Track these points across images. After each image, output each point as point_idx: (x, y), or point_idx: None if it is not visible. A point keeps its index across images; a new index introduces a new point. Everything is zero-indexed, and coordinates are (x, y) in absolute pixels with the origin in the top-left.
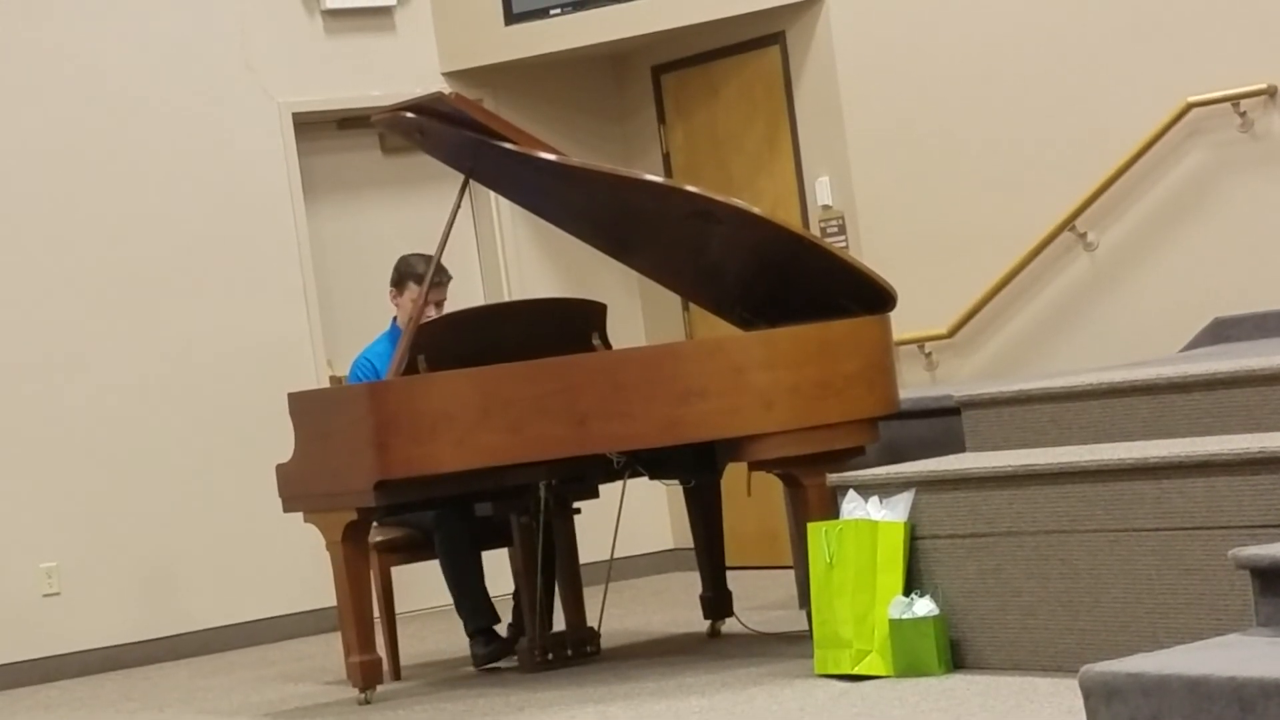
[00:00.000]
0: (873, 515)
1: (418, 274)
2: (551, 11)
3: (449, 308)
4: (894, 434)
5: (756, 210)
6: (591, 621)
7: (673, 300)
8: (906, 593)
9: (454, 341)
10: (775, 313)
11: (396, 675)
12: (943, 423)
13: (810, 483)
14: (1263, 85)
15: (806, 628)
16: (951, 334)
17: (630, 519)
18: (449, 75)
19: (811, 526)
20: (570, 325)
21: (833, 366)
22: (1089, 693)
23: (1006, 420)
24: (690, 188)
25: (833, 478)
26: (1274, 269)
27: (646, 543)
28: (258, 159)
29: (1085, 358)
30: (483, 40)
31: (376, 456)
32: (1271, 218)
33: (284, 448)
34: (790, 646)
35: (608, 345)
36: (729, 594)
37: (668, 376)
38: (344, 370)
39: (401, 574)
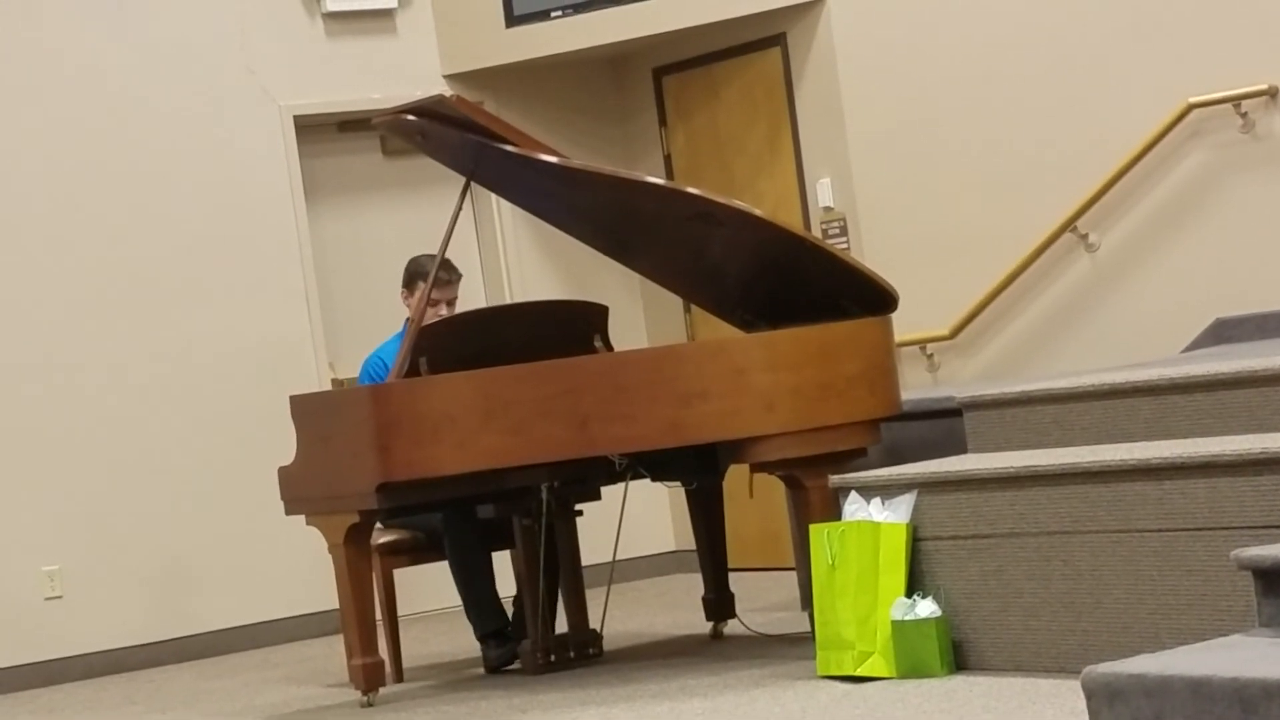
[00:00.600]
0: (875, 517)
1: (425, 272)
2: (552, 14)
3: (460, 308)
4: (896, 435)
5: (758, 212)
6: (594, 623)
7: (674, 302)
8: (909, 594)
9: (456, 344)
10: (777, 314)
11: (399, 678)
12: (944, 424)
13: (812, 484)
14: (1264, 86)
15: (809, 629)
16: (953, 335)
17: (632, 521)
18: (450, 78)
19: (813, 528)
20: (572, 327)
21: (834, 368)
22: (1091, 694)
23: (1008, 421)
24: (692, 189)
25: (835, 479)
26: (1275, 270)
27: (648, 545)
28: (259, 161)
29: (1087, 359)
30: (484, 43)
31: (378, 459)
32: (1273, 218)
33: (285, 450)
34: (792, 648)
35: (609, 347)
36: (731, 596)
37: (669, 378)
38: (346, 373)
39: (404, 576)
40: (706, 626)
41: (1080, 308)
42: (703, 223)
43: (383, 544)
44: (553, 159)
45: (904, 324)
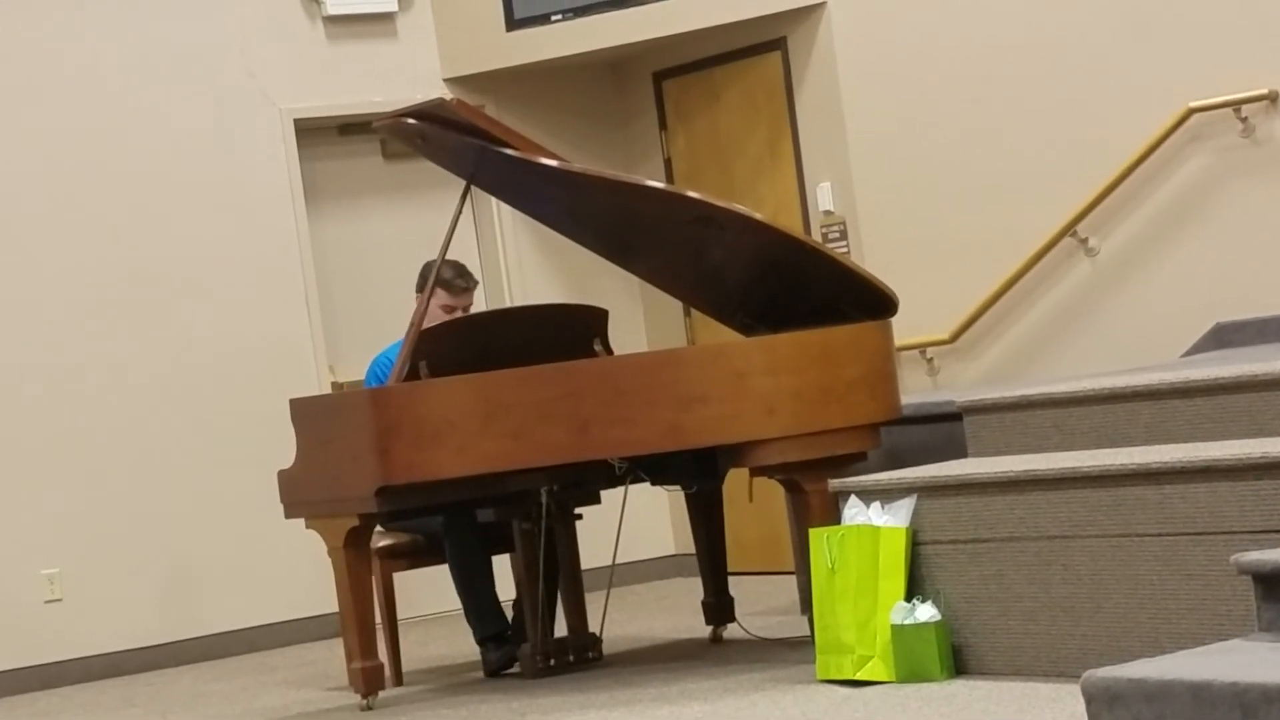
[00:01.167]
0: (875, 521)
1: (443, 279)
2: (553, 17)
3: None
4: (896, 439)
5: (758, 216)
6: (593, 627)
7: (674, 306)
8: (908, 598)
9: (456, 347)
10: (777, 318)
11: (399, 681)
12: (944, 428)
13: (812, 488)
14: (1264, 90)
15: (808, 633)
16: (953, 339)
17: (632, 525)
18: (450, 81)
19: (813, 532)
20: (572, 331)
21: (835, 372)
22: (1091, 698)
23: (1008, 425)
24: (692, 193)
25: (834, 483)
26: (1276, 274)
27: (648, 548)
28: (259, 165)
29: (1087, 363)
30: (484, 46)
31: (378, 462)
32: (1273, 223)
33: (285, 453)
34: (792, 652)
35: (609, 351)
36: (731, 600)
37: (669, 382)
38: (346, 376)
39: (404, 580)
40: (706, 630)
41: (1080, 312)
42: (703, 226)
43: (382, 547)
44: (553, 163)
45: (904, 328)
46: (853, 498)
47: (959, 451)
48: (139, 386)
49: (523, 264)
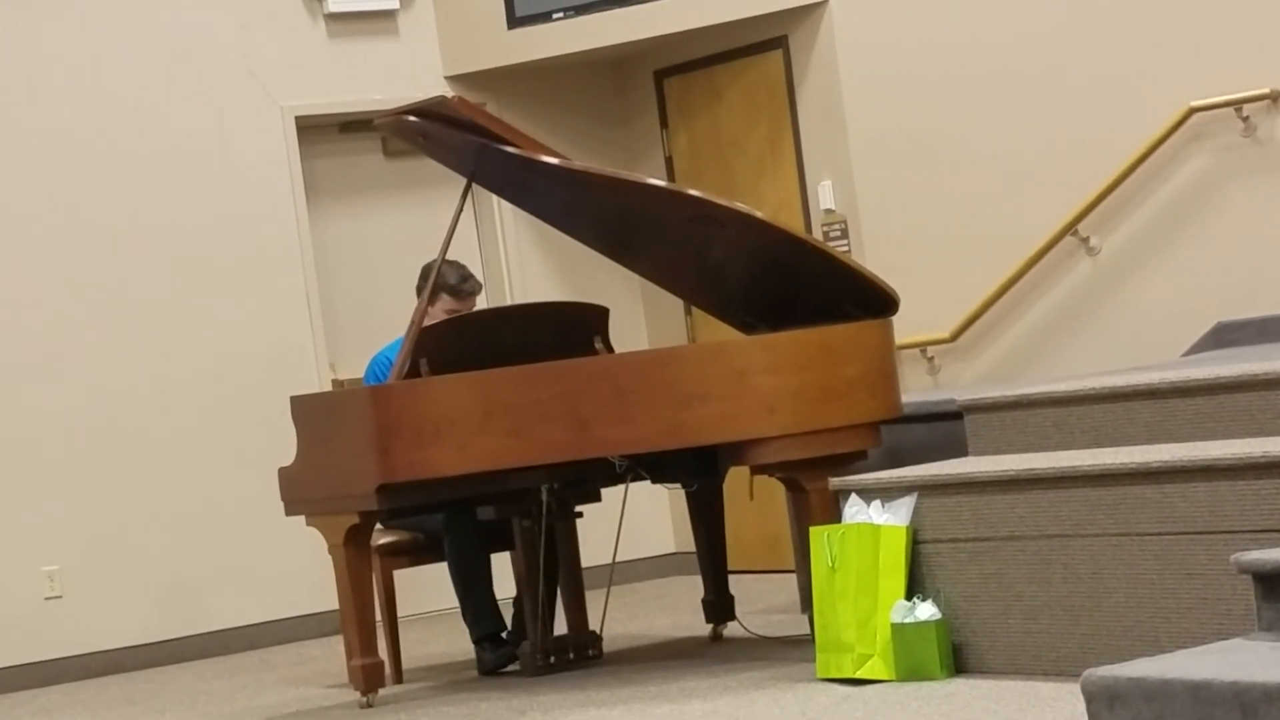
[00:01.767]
0: (875, 519)
1: (449, 284)
2: (554, 16)
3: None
4: (896, 438)
5: (759, 214)
6: (593, 625)
7: (675, 304)
8: (908, 597)
9: (456, 345)
10: (777, 317)
11: (398, 679)
12: (945, 427)
13: (812, 487)
14: (1265, 90)
15: (809, 632)
16: (954, 338)
17: (632, 523)
18: (451, 79)
19: (814, 530)
20: (572, 329)
21: (835, 370)
22: (1091, 697)
23: (1009, 424)
24: (693, 192)
25: (835, 482)
26: (1276, 273)
27: (648, 546)
28: (260, 163)
29: (1087, 362)
30: (485, 44)
31: (378, 460)
32: (1274, 222)
33: (286, 451)
34: (792, 651)
35: (610, 349)
36: (731, 598)
37: (670, 380)
38: (346, 374)
39: (404, 577)
40: (706, 628)
41: (1081, 311)
42: (704, 225)
43: (383, 545)
44: (554, 160)
45: (905, 326)
46: (853, 496)
47: (959, 450)
48: (138, 383)
49: (524, 262)
